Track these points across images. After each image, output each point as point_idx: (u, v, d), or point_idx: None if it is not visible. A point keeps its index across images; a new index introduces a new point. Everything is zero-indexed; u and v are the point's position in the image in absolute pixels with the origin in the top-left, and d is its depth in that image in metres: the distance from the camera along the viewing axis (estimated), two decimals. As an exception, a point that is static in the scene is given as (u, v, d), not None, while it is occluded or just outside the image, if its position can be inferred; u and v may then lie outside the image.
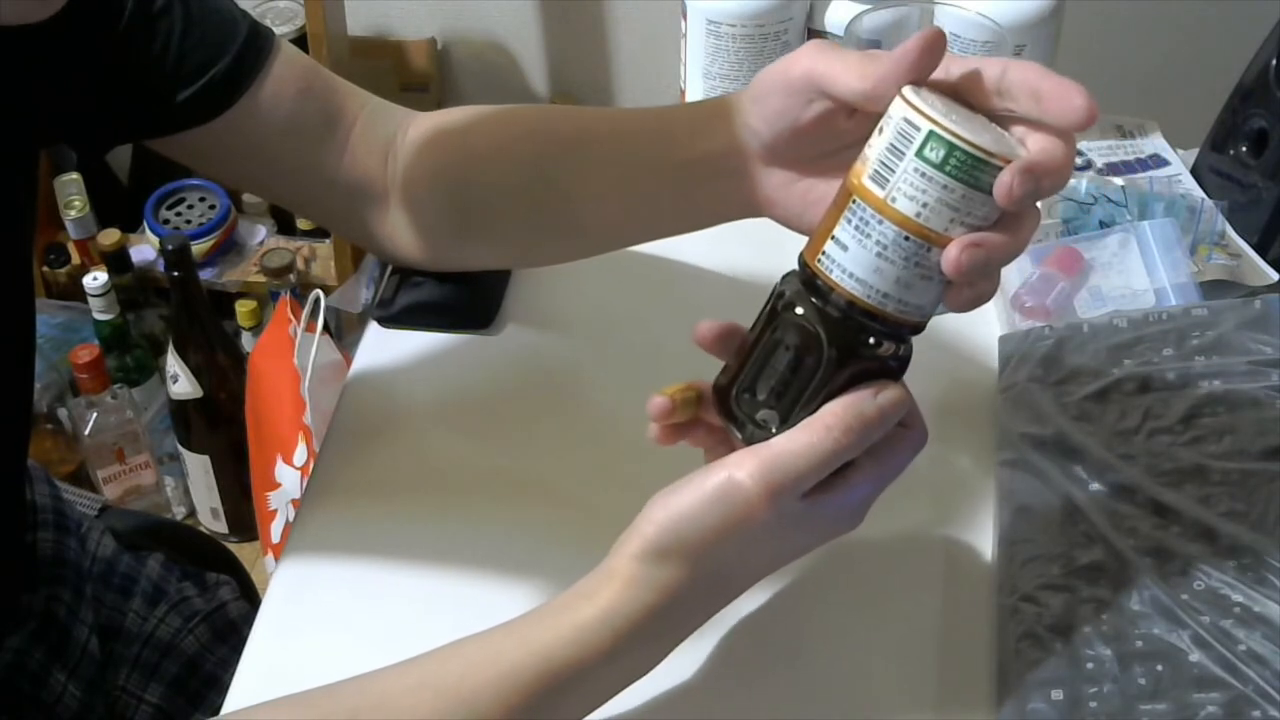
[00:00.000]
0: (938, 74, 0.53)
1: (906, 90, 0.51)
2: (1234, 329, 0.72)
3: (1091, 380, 0.72)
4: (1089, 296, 0.81)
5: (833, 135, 0.58)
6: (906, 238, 0.50)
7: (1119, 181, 0.90)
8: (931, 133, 0.49)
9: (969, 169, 0.49)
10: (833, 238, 0.52)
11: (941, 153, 0.49)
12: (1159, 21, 1.71)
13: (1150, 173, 0.93)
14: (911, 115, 0.50)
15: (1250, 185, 0.88)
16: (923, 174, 0.49)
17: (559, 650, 0.52)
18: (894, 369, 0.54)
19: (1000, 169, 0.49)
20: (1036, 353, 0.75)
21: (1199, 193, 0.91)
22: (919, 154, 0.49)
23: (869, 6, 0.89)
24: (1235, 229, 0.87)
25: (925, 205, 0.50)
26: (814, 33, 1.00)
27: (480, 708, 0.52)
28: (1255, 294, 0.79)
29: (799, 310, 0.53)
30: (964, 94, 0.53)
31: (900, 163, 0.50)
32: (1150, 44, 1.72)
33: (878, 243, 0.51)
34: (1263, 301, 0.73)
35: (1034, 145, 0.50)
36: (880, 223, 0.50)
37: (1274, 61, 0.87)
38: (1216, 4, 1.65)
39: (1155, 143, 0.97)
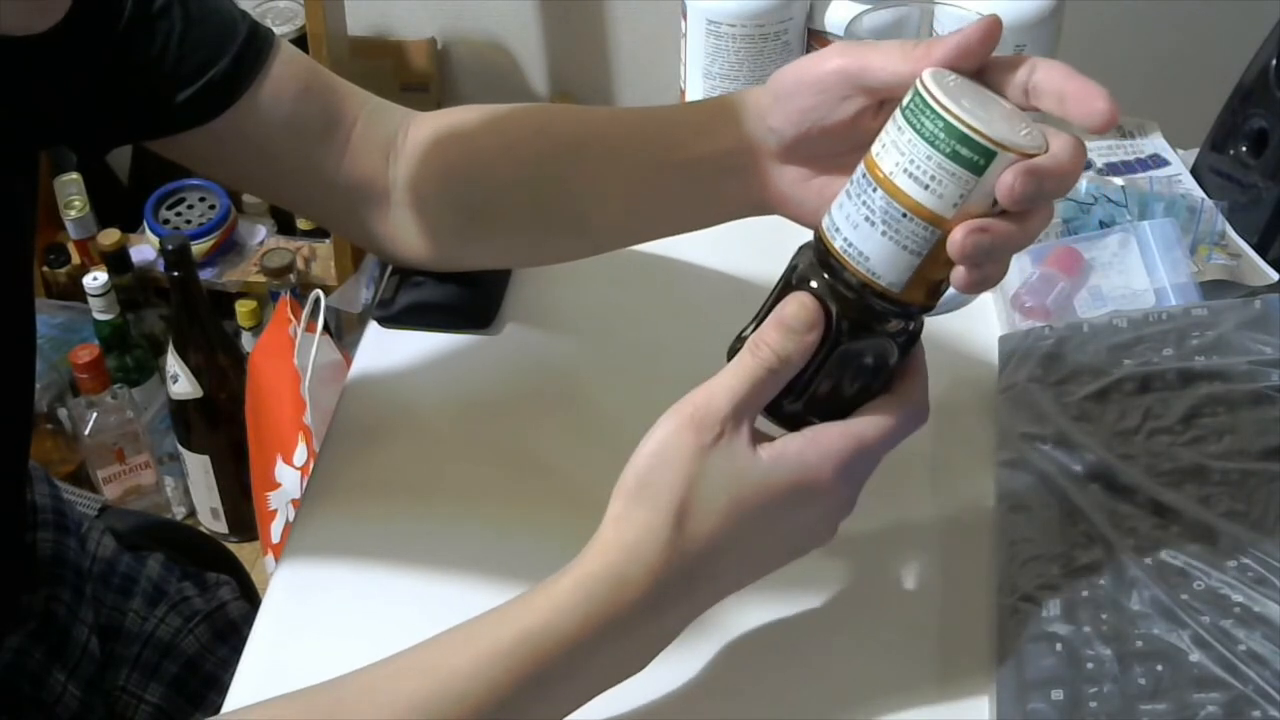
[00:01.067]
0: (966, 69, 0.53)
1: (927, 79, 0.51)
2: (1234, 329, 0.72)
3: (1091, 380, 0.72)
4: (1089, 296, 0.81)
5: (856, 133, 0.59)
6: (865, 174, 0.52)
7: (1119, 181, 0.90)
8: (915, 92, 0.50)
9: (936, 129, 0.49)
10: (837, 199, 0.54)
11: (918, 112, 0.50)
12: (1159, 21, 1.71)
13: (1150, 173, 0.93)
14: (940, 112, 0.50)
15: (1250, 185, 0.88)
16: (899, 128, 0.51)
17: (535, 620, 0.52)
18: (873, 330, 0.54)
19: (970, 138, 0.49)
20: (1036, 353, 0.75)
21: (1199, 193, 0.91)
22: (902, 110, 0.51)
23: (869, 6, 0.89)
24: (1235, 229, 0.87)
25: (894, 158, 0.51)
26: (814, 33, 1.00)
27: (460, 685, 0.51)
28: (1255, 294, 0.79)
29: (792, 263, 0.55)
30: (992, 89, 0.53)
31: (890, 123, 0.51)
32: (1150, 44, 1.72)
33: (857, 186, 0.52)
34: (1263, 301, 0.73)
35: (1051, 144, 0.51)
36: (864, 176, 0.52)
37: (1274, 61, 0.87)
38: (1216, 4, 1.65)
39: (1155, 143, 0.97)
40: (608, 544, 0.53)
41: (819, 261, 0.54)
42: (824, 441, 0.53)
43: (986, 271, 0.51)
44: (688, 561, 0.53)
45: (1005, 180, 0.49)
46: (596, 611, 0.52)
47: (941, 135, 0.49)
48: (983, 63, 0.53)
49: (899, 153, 0.51)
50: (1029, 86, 0.52)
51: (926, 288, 0.52)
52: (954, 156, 0.49)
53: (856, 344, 0.53)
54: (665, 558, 0.53)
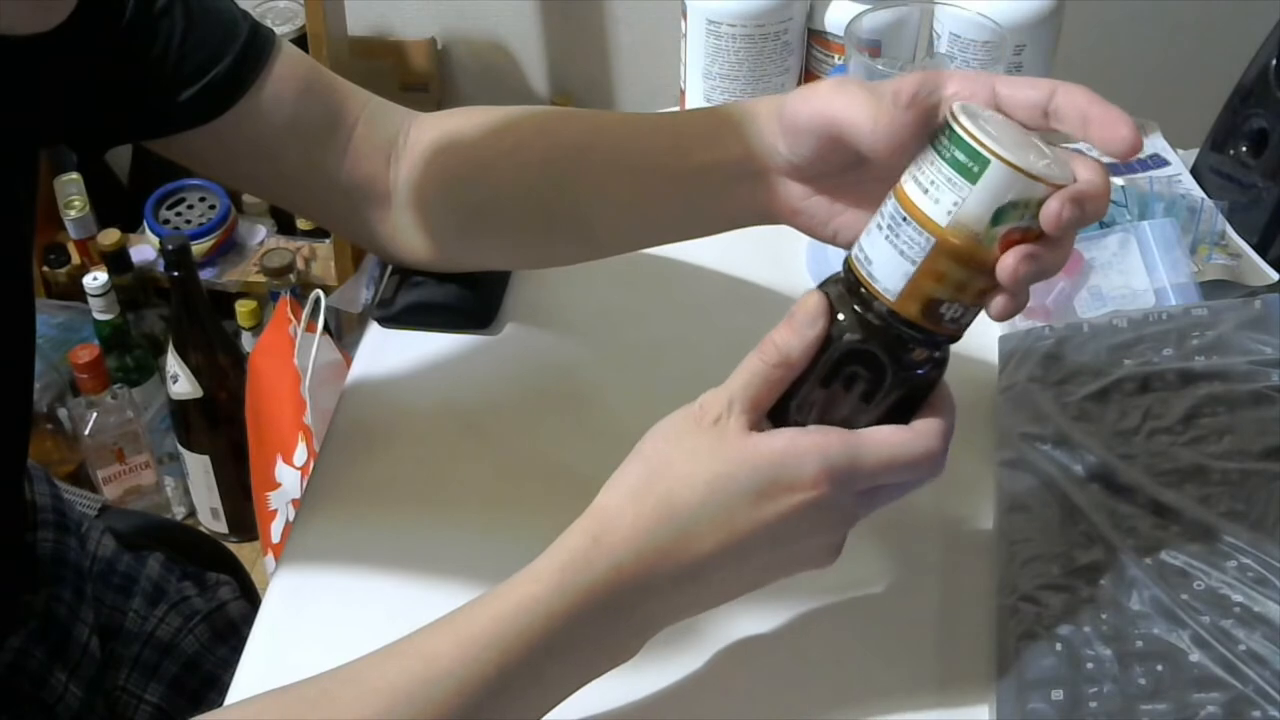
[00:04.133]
0: (985, 94, 0.54)
1: (956, 105, 0.52)
2: (1234, 329, 0.72)
3: (1091, 380, 0.72)
4: (1089, 296, 0.81)
5: (865, 156, 0.59)
6: (904, 216, 0.52)
7: (1119, 181, 0.90)
8: (947, 122, 0.51)
9: (944, 138, 0.51)
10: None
11: (938, 131, 0.51)
12: (1159, 21, 1.71)
13: (1150, 173, 0.93)
14: (950, 122, 0.51)
15: (1250, 185, 0.88)
16: (929, 157, 0.52)
17: (515, 598, 0.52)
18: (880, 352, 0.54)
19: (967, 144, 0.50)
20: (1036, 353, 0.75)
21: (1199, 193, 0.91)
22: (933, 142, 0.52)
23: (869, 6, 0.89)
24: (1235, 229, 0.87)
25: (910, 170, 0.52)
26: (814, 33, 1.00)
27: (443, 667, 0.51)
28: (1255, 294, 0.79)
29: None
30: (1011, 112, 0.54)
31: (923, 159, 0.52)
32: (1150, 44, 1.72)
33: (880, 213, 0.53)
34: (1263, 301, 0.73)
35: (1080, 173, 0.51)
36: (894, 206, 0.53)
37: (1274, 61, 0.87)
38: (1216, 4, 1.65)
39: (1155, 143, 0.97)
40: (590, 513, 0.54)
41: (842, 272, 0.55)
42: (815, 435, 0.53)
43: (1022, 299, 0.52)
44: (666, 533, 0.53)
45: (1051, 207, 0.49)
46: (571, 581, 0.52)
47: (945, 142, 0.51)
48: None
49: (915, 164, 0.52)
50: (1051, 109, 0.52)
51: (921, 303, 0.52)
52: (952, 162, 0.50)
53: (854, 350, 0.53)
54: (644, 525, 0.53)
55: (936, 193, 0.51)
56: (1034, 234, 0.51)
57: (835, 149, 0.58)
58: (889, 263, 0.52)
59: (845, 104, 0.56)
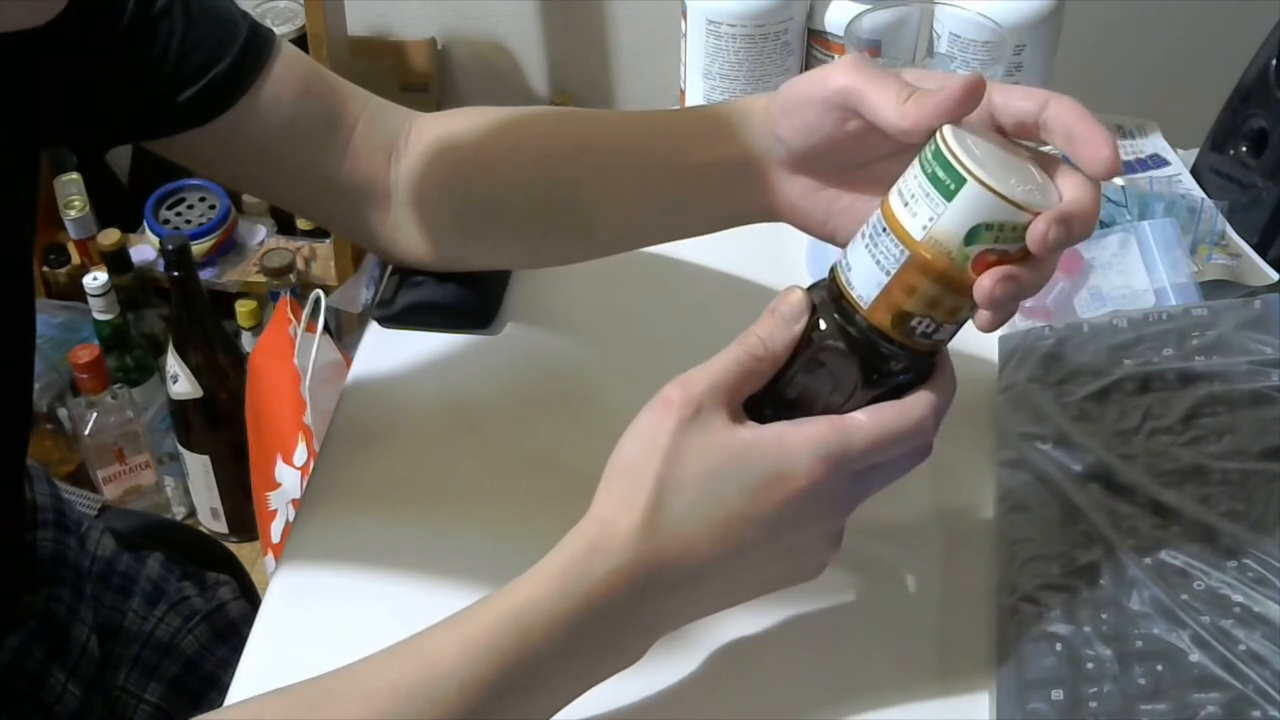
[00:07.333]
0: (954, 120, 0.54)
1: (946, 127, 0.52)
2: (1234, 329, 0.72)
3: (1091, 380, 0.72)
4: (1089, 296, 0.81)
5: (866, 149, 0.59)
6: (884, 227, 0.52)
7: (1119, 181, 0.90)
8: (937, 149, 0.51)
9: (929, 153, 0.51)
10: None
11: (926, 146, 0.51)
12: (1159, 21, 1.71)
13: (1150, 173, 0.93)
14: (937, 138, 0.51)
15: (1250, 185, 0.88)
16: (914, 170, 0.52)
17: (515, 601, 0.52)
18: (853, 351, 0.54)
19: (947, 161, 0.50)
20: (1036, 353, 0.75)
21: (1199, 193, 0.91)
22: (919, 155, 0.52)
23: (869, 6, 0.89)
24: (1235, 229, 0.87)
25: (896, 183, 0.52)
26: (814, 33, 1.00)
27: (445, 669, 0.51)
28: (1255, 294, 0.79)
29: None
30: (1003, 121, 0.54)
31: (909, 173, 0.52)
32: (1150, 44, 1.72)
33: (867, 222, 0.53)
34: (1263, 301, 0.73)
35: (1068, 193, 0.51)
36: (878, 216, 0.53)
37: (1274, 61, 0.87)
38: (1216, 4, 1.65)
39: (1155, 143, 0.97)
40: (586, 520, 0.54)
41: (828, 277, 0.55)
42: (806, 426, 0.53)
43: (1006, 313, 0.52)
44: (662, 535, 0.53)
45: (1038, 229, 0.49)
46: (572, 584, 0.52)
47: (929, 157, 0.51)
48: (968, 114, 0.53)
49: (902, 176, 0.52)
50: (1040, 120, 0.52)
51: (893, 315, 0.52)
52: (931, 177, 0.50)
53: (828, 354, 0.54)
54: (639, 529, 0.52)
55: (915, 206, 0.51)
56: (1010, 257, 0.51)
57: (836, 119, 0.58)
58: (865, 271, 0.52)
59: (867, 79, 0.56)
